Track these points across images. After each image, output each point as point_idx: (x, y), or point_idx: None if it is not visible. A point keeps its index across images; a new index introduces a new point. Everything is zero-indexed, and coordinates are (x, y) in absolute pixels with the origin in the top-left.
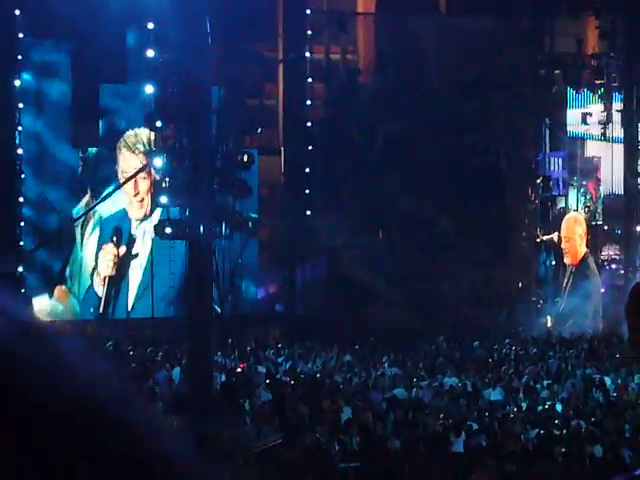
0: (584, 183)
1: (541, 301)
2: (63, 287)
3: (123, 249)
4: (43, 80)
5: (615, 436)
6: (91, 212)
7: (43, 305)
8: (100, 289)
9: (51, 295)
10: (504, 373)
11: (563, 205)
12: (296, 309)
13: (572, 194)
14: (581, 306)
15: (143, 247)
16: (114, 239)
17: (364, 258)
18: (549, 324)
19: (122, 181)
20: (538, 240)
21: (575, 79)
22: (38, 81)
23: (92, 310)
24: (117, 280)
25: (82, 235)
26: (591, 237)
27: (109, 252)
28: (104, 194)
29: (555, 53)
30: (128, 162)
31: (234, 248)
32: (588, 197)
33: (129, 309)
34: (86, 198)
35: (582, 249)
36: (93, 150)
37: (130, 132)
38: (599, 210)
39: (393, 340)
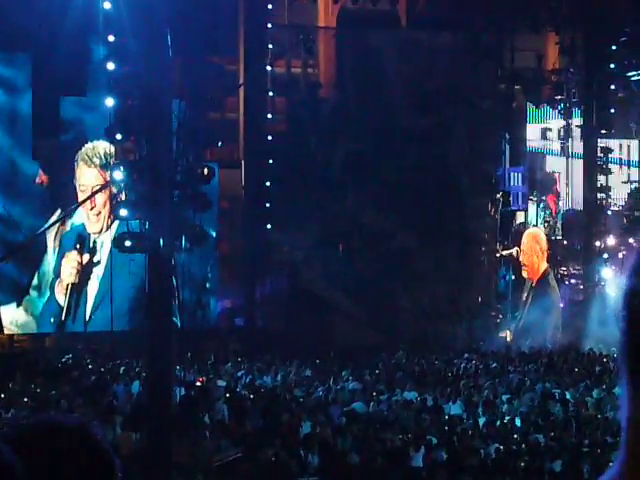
0: (544, 198)
1: (500, 316)
2: (28, 298)
3: (86, 257)
4: (3, 93)
5: (574, 451)
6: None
7: (10, 315)
8: (61, 298)
9: (19, 305)
10: (463, 387)
11: (523, 220)
12: (256, 323)
13: (532, 209)
14: (540, 321)
15: (102, 259)
16: (77, 246)
17: (325, 272)
18: (508, 339)
19: (80, 195)
20: (498, 255)
21: (535, 94)
22: None
23: (52, 320)
24: (79, 289)
25: (54, 247)
26: (551, 252)
27: (72, 259)
28: (69, 209)
29: (515, 68)
30: (85, 175)
31: (194, 261)
32: (548, 212)
33: (86, 320)
34: (57, 212)
35: (542, 265)
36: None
37: (88, 145)
38: (559, 225)
39: (353, 354)
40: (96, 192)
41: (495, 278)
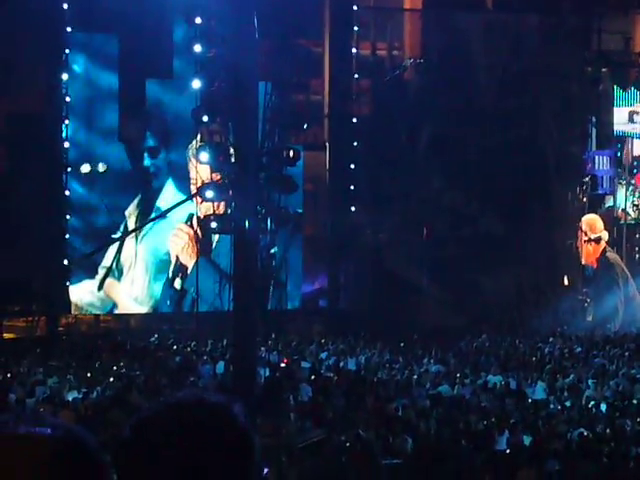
0: (632, 181)
1: (588, 299)
2: (113, 281)
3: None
4: (91, 74)
5: None
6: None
7: (88, 297)
8: (176, 279)
9: (100, 288)
10: (548, 371)
11: (611, 203)
12: (340, 305)
13: (620, 192)
14: (610, 300)
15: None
16: (188, 223)
17: (409, 255)
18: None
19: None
20: (586, 239)
21: (622, 77)
22: (86, 75)
23: (168, 303)
24: (185, 266)
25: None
26: (635, 242)
27: (183, 232)
28: (148, 220)
29: (602, 51)
30: (194, 169)
31: (279, 243)
32: (637, 195)
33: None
34: (138, 197)
35: (599, 249)
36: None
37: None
38: None
39: (437, 337)
40: (171, 208)
41: (583, 263)
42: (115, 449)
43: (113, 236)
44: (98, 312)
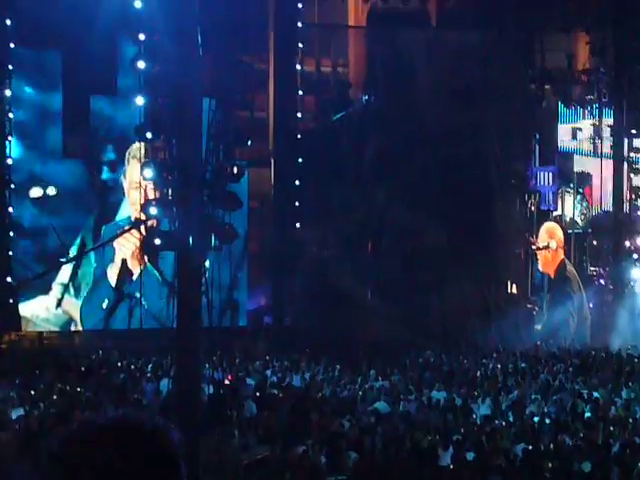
0: (580, 190)
1: (536, 308)
2: (70, 298)
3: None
4: (34, 90)
5: (603, 452)
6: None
7: (43, 313)
8: (113, 280)
9: (58, 305)
10: (492, 387)
11: (559, 212)
12: (285, 321)
13: (569, 201)
14: (563, 311)
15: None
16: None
17: (353, 270)
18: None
19: (131, 192)
20: (534, 247)
21: (565, 94)
22: (29, 92)
23: (105, 305)
24: (130, 270)
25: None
26: (583, 251)
27: (130, 234)
28: (97, 244)
29: (546, 68)
30: (136, 172)
31: (225, 260)
32: (585, 204)
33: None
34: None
35: (558, 257)
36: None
37: (137, 144)
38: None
39: (382, 352)
40: (124, 232)
41: (531, 272)
42: (44, 460)
43: (65, 256)
44: (54, 328)
